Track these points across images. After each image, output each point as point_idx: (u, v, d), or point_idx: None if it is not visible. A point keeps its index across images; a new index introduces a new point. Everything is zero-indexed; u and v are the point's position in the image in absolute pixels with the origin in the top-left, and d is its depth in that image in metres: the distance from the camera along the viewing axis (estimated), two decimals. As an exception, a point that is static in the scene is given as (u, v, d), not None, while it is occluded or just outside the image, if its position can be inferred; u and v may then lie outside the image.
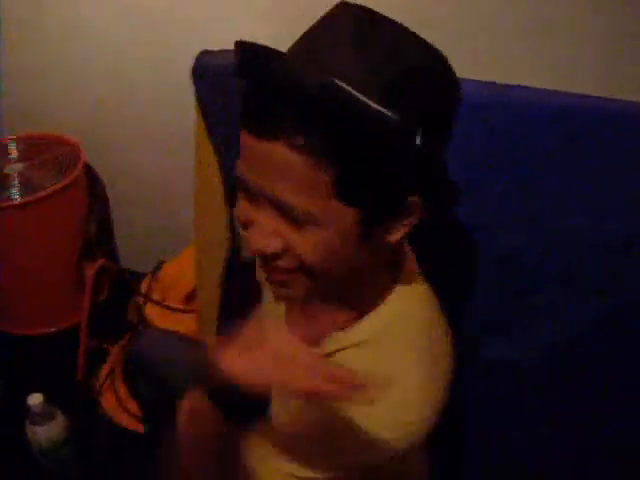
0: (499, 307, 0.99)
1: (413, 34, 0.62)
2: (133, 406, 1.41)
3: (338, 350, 0.75)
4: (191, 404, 0.69)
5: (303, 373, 0.59)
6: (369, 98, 0.56)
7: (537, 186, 0.92)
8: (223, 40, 1.13)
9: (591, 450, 1.00)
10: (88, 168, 1.73)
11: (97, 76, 1.64)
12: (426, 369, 0.71)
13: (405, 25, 0.62)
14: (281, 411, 0.85)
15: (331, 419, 0.70)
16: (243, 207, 0.66)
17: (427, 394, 0.71)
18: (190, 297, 1.54)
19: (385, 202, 0.64)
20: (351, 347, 0.74)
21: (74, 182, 1.62)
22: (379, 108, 0.57)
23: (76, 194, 1.67)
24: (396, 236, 0.68)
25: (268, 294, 0.87)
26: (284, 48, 0.62)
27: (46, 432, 1.34)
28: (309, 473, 0.72)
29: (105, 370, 1.63)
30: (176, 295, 1.57)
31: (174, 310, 1.55)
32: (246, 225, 0.67)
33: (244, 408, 0.66)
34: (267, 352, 0.61)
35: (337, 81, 0.56)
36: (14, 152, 1.69)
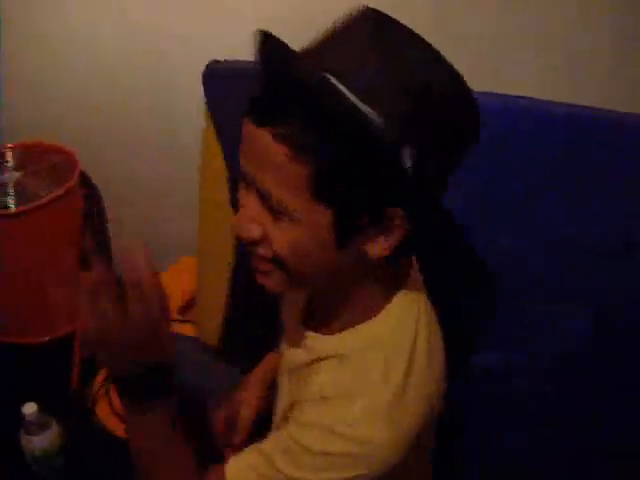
0: (499, 309, 0.99)
1: (429, 46, 0.61)
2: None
3: (322, 358, 0.75)
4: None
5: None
6: (370, 105, 0.56)
7: (538, 193, 0.93)
8: (219, 49, 1.15)
9: (591, 450, 1.00)
10: (84, 177, 1.72)
11: (93, 85, 1.64)
12: (394, 407, 0.67)
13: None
14: (278, 411, 0.85)
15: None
16: (240, 192, 0.67)
17: (391, 432, 0.67)
18: (187, 308, 1.53)
19: (361, 208, 0.62)
20: (334, 357, 0.73)
21: (70, 191, 1.60)
22: (366, 111, 0.56)
23: (72, 203, 1.66)
24: (376, 250, 0.66)
25: None
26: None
27: (40, 441, 1.32)
28: None
29: (99, 379, 1.61)
30: (172, 306, 1.55)
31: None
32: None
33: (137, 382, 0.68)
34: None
35: (328, 75, 0.56)
36: (10, 161, 1.68)
